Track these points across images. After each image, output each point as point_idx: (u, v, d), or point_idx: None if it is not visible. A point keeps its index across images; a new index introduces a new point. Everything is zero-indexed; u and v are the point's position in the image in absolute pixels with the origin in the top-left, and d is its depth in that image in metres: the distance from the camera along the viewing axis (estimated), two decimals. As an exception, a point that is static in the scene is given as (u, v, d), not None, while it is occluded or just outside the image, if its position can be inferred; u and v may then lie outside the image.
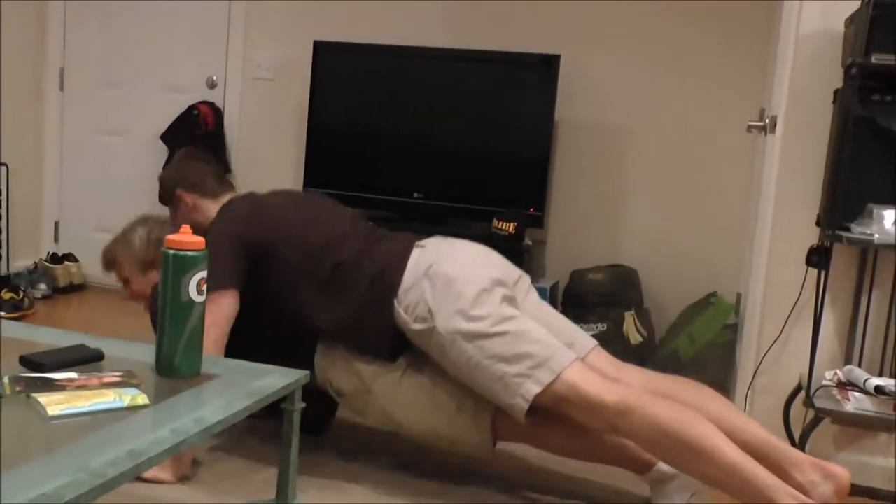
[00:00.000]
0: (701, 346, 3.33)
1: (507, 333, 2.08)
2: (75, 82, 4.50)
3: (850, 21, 2.37)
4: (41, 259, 4.41)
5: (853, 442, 2.53)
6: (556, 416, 2.12)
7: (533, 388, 2.03)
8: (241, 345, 2.27)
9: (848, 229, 2.31)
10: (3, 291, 3.87)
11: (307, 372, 1.79)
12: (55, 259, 4.40)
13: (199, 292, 1.66)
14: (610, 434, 2.12)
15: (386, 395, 2.25)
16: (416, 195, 3.75)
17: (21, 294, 3.92)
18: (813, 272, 2.47)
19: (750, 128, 2.91)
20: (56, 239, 4.59)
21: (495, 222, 3.49)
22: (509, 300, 2.18)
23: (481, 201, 3.67)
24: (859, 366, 2.49)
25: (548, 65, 3.58)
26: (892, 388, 2.24)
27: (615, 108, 3.76)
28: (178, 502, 2.08)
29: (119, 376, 1.61)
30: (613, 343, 3.24)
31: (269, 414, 2.50)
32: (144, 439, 1.34)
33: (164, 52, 4.34)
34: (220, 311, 2.19)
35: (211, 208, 2.47)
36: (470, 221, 3.66)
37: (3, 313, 3.69)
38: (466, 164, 3.71)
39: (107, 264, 2.50)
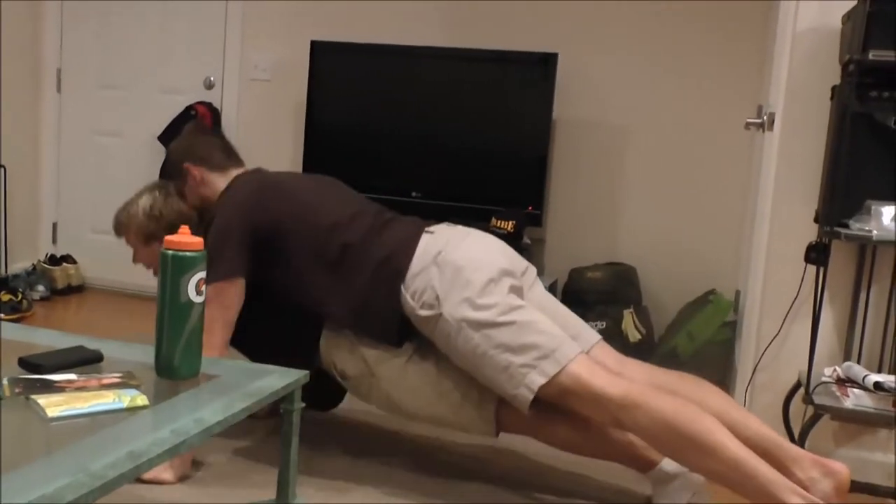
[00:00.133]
0: (700, 343, 3.33)
1: (514, 323, 2.07)
2: (72, 83, 4.49)
3: (847, 18, 2.37)
4: (39, 261, 4.41)
5: (852, 438, 2.54)
6: (559, 409, 2.12)
7: (538, 379, 2.03)
8: (243, 330, 2.28)
9: (846, 226, 2.31)
10: (2, 293, 3.86)
11: (307, 372, 1.78)
12: (53, 260, 4.39)
13: (199, 293, 1.66)
14: (613, 428, 2.12)
15: (390, 380, 2.25)
16: (413, 194, 3.75)
17: (19, 296, 3.92)
18: (811, 269, 2.47)
19: (748, 125, 2.91)
20: (54, 240, 4.58)
21: (494, 221, 3.49)
22: (517, 290, 2.18)
23: (479, 200, 3.67)
24: (858, 362, 2.49)
25: (545, 63, 3.58)
26: (892, 385, 2.24)
27: (613, 106, 3.76)
28: (177, 502, 2.08)
29: (118, 377, 1.61)
30: (612, 341, 3.21)
31: (270, 413, 2.53)
32: (144, 440, 1.34)
33: (161, 52, 4.33)
34: (227, 301, 2.20)
35: (219, 182, 2.45)
36: (468, 220, 3.64)
37: (1, 315, 3.69)
38: (465, 163, 3.71)
39: (115, 229, 2.50)
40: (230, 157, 2.54)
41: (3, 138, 4.20)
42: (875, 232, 2.26)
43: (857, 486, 2.32)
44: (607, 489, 2.34)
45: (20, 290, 3.98)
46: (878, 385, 2.25)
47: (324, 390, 2.51)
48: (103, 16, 4.40)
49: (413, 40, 3.87)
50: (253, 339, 2.41)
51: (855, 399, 2.27)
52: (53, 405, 1.44)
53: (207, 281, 1.73)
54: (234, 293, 2.23)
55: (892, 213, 2.28)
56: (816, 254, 2.42)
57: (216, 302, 2.18)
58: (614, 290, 3.53)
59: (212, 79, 4.27)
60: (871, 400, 2.26)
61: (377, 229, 2.29)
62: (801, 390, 2.43)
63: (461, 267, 2.14)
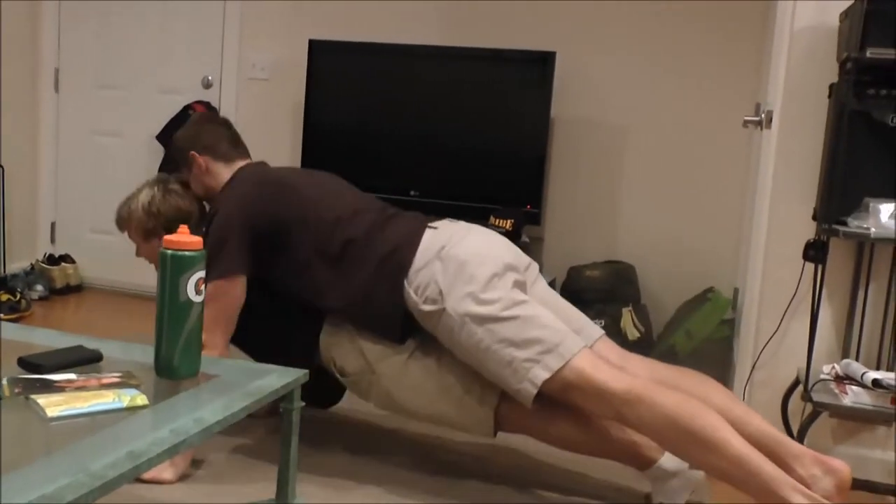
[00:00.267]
0: (698, 341, 3.34)
1: (518, 318, 2.07)
2: (70, 83, 4.49)
3: (845, 16, 2.37)
4: (38, 260, 4.41)
5: (851, 435, 2.54)
6: (561, 406, 2.12)
7: (541, 374, 2.03)
8: (245, 328, 2.28)
9: (844, 223, 2.32)
10: (0, 293, 3.86)
11: (306, 371, 1.78)
12: (52, 260, 4.39)
13: (198, 292, 1.66)
14: (616, 423, 2.11)
15: (391, 377, 2.24)
16: (412, 193, 3.75)
17: (18, 296, 3.92)
18: (810, 266, 2.47)
19: (746, 123, 2.91)
20: (52, 240, 4.58)
21: (492, 219, 3.49)
22: (520, 285, 2.18)
23: (478, 199, 3.67)
24: (857, 359, 2.50)
25: (544, 62, 3.58)
26: (890, 382, 2.24)
27: (611, 105, 3.76)
28: (178, 502, 2.08)
29: (118, 377, 1.61)
30: (611, 339, 3.23)
31: (269, 411, 2.53)
32: (144, 440, 1.34)
33: (160, 52, 4.33)
34: (228, 298, 2.20)
35: (223, 173, 2.44)
36: (467, 219, 3.63)
37: (0, 315, 3.69)
38: (463, 162, 3.71)
39: (117, 223, 2.49)
40: (237, 147, 2.51)
41: (2, 138, 4.20)
42: (873, 229, 2.26)
43: (856, 484, 2.32)
44: (606, 487, 2.35)
45: (19, 289, 3.98)
46: (876, 382, 2.25)
47: (323, 387, 2.51)
48: (102, 16, 4.39)
49: (411, 39, 3.87)
50: (254, 337, 2.41)
51: (853, 396, 2.28)
52: (53, 405, 1.44)
53: (208, 278, 1.73)
54: (235, 291, 2.23)
55: (890, 211, 2.28)
56: (815, 251, 2.43)
57: (217, 300, 2.18)
58: (613, 289, 3.53)
59: (210, 78, 4.27)
60: (870, 397, 2.26)
61: (380, 225, 2.28)
62: (800, 388, 2.43)
63: (465, 262, 2.14)
